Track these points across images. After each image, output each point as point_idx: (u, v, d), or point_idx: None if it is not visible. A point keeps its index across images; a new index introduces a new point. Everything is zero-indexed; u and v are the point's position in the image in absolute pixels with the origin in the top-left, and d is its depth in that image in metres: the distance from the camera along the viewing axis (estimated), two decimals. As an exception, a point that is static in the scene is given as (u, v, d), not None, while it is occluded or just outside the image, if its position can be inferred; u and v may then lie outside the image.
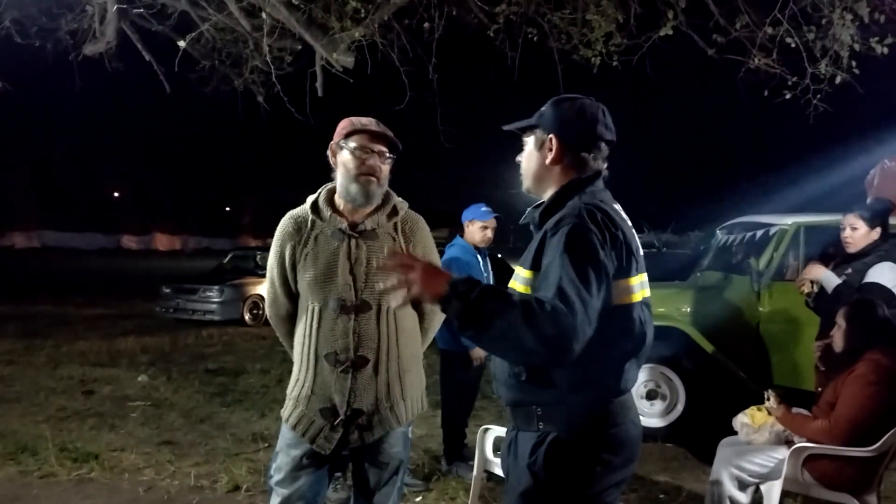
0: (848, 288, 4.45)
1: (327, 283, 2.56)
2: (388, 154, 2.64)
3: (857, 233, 4.60)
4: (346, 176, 2.58)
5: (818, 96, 6.69)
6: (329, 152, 2.66)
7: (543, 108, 2.17)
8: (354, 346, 2.54)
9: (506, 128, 2.26)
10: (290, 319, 2.72)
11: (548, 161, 2.13)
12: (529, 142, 2.20)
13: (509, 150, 2.31)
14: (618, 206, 2.11)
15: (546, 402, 1.96)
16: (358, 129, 2.60)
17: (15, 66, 8.37)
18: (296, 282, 2.65)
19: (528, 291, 1.97)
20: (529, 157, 2.19)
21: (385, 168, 2.64)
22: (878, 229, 4.57)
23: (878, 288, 4.35)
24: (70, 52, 7.79)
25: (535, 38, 7.67)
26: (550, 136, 2.12)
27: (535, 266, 1.97)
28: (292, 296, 2.68)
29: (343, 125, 2.64)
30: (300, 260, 2.62)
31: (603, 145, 2.14)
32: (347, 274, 2.56)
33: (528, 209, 2.23)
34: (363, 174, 2.57)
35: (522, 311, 1.74)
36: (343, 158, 2.60)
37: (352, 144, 2.58)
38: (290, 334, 2.73)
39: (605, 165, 2.17)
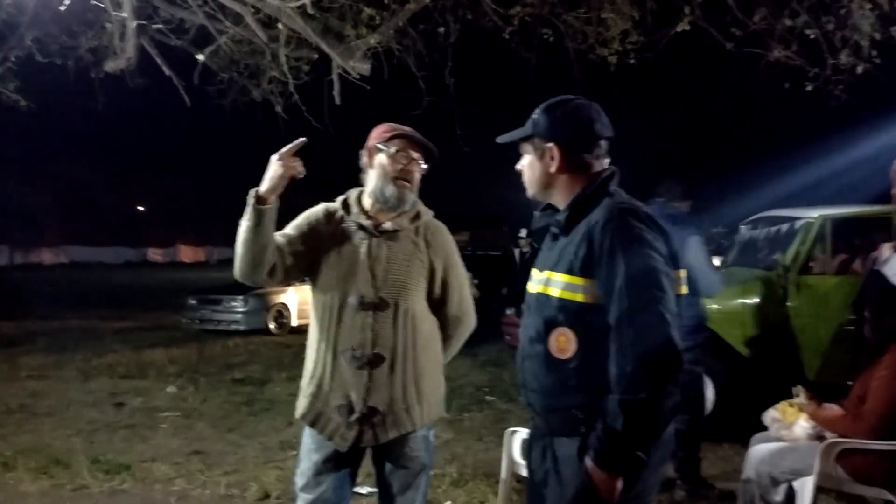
0: None
1: (348, 279, 2.58)
2: (423, 164, 2.69)
3: None
4: (383, 177, 2.62)
5: (840, 87, 6.61)
6: (365, 153, 2.69)
7: (536, 116, 2.15)
8: (371, 342, 2.55)
9: (500, 140, 2.25)
10: (262, 252, 2.53)
11: (552, 170, 2.12)
12: (528, 150, 2.18)
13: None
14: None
15: (588, 404, 1.95)
16: (399, 134, 2.64)
17: (38, 85, 8.52)
18: (293, 251, 2.62)
19: (571, 296, 1.98)
20: (532, 166, 2.17)
21: (418, 176, 2.68)
22: None
23: (879, 278, 4.33)
24: (91, 69, 7.92)
25: (551, 39, 7.65)
26: (550, 144, 2.11)
27: (586, 273, 1.96)
28: (281, 247, 2.59)
29: (384, 128, 2.68)
30: (322, 250, 2.64)
31: (603, 143, 2.13)
32: (367, 271, 2.58)
33: (540, 213, 2.24)
34: (400, 178, 2.61)
35: (650, 395, 1.82)
36: (381, 160, 2.63)
37: (392, 148, 2.62)
38: (253, 257, 2.53)
39: (608, 161, 2.16)
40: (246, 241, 2.50)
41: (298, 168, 2.51)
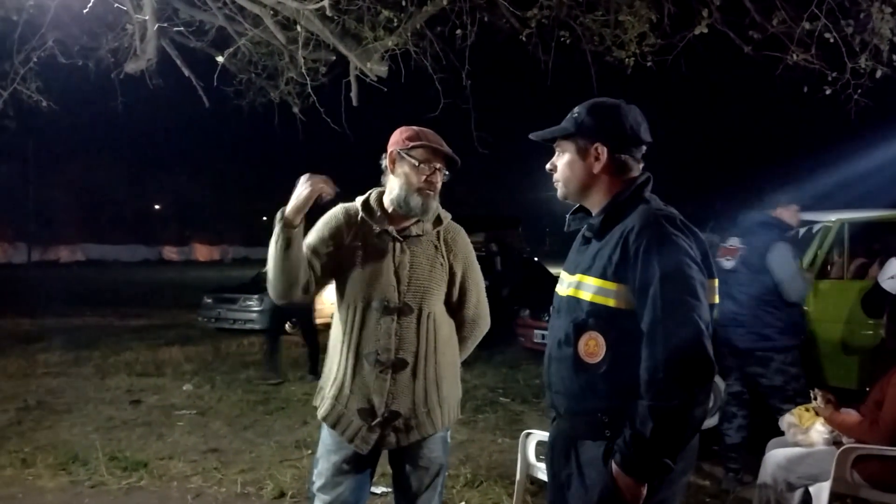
0: None
1: (372, 283, 2.59)
2: (446, 171, 2.68)
3: None
4: (407, 187, 2.61)
5: (859, 91, 6.56)
6: (387, 158, 2.67)
7: (579, 115, 2.13)
8: (395, 347, 2.57)
9: (534, 137, 2.23)
10: (296, 270, 2.53)
11: (596, 170, 2.10)
12: (567, 149, 2.16)
13: (544, 154, 2.28)
14: None
15: (614, 409, 1.96)
16: (423, 143, 2.62)
17: (58, 85, 8.60)
18: (320, 262, 2.63)
19: (603, 300, 1.98)
20: (571, 165, 2.14)
21: (440, 184, 2.68)
22: None
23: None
24: (111, 70, 7.98)
25: (568, 42, 7.63)
26: (596, 144, 2.09)
27: (619, 278, 1.96)
28: (311, 262, 2.61)
29: (407, 134, 2.65)
30: (346, 254, 2.64)
31: (643, 147, 2.14)
32: (391, 276, 2.60)
33: (572, 215, 2.23)
34: (424, 188, 2.60)
35: (682, 402, 1.83)
36: (405, 169, 2.62)
37: (416, 157, 2.60)
38: (288, 278, 2.54)
39: (642, 165, 2.16)
40: (278, 263, 2.51)
41: (327, 189, 2.49)
